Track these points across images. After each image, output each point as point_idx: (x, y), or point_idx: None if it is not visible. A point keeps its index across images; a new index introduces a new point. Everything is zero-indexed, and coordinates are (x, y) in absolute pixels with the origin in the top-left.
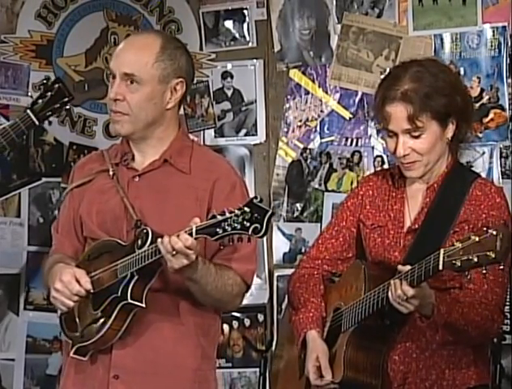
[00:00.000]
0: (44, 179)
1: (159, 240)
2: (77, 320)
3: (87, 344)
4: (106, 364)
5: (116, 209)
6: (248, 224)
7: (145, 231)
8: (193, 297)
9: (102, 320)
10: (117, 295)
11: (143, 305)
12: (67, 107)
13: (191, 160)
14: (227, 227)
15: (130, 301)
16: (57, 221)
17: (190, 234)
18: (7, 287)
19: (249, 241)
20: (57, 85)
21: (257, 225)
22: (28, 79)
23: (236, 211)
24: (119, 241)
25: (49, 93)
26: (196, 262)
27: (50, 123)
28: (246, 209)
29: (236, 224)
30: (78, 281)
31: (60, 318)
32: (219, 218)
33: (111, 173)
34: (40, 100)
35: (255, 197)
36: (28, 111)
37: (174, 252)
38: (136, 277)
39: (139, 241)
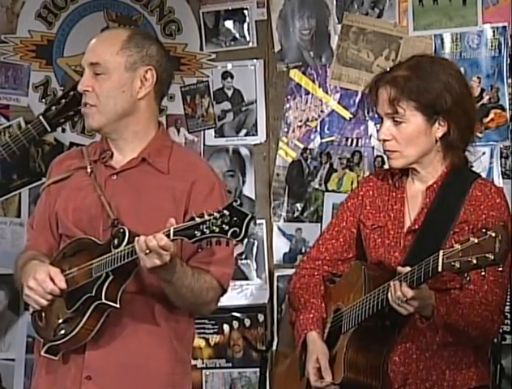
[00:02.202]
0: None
1: (136, 238)
2: (49, 318)
3: (59, 343)
4: (79, 364)
5: (92, 207)
6: (227, 228)
7: (122, 230)
8: (168, 300)
9: (75, 319)
10: (91, 294)
11: (118, 306)
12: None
13: (170, 161)
14: (205, 230)
15: (104, 301)
16: (33, 217)
17: (168, 235)
18: (7, 287)
19: (227, 245)
20: (72, 93)
21: (236, 229)
22: (28, 79)
23: (215, 214)
24: (95, 239)
25: (64, 100)
26: (171, 264)
27: (64, 130)
28: (225, 212)
29: (214, 227)
30: (52, 280)
31: (32, 316)
32: (198, 220)
33: (89, 170)
34: (53, 107)
35: (235, 200)
36: (41, 117)
37: (148, 251)
38: (111, 277)
39: (116, 241)
